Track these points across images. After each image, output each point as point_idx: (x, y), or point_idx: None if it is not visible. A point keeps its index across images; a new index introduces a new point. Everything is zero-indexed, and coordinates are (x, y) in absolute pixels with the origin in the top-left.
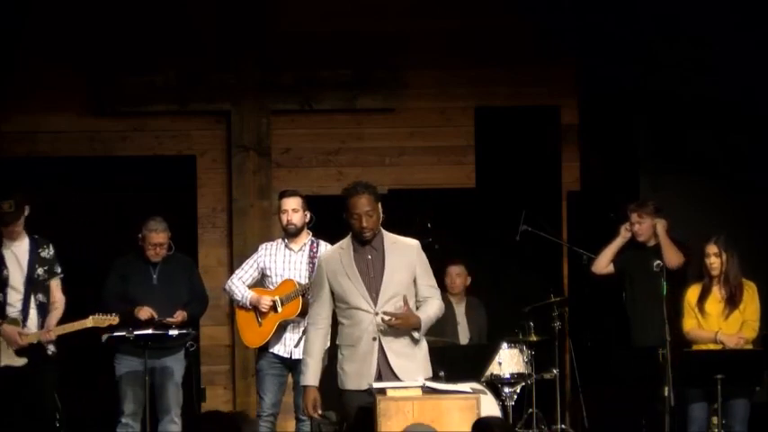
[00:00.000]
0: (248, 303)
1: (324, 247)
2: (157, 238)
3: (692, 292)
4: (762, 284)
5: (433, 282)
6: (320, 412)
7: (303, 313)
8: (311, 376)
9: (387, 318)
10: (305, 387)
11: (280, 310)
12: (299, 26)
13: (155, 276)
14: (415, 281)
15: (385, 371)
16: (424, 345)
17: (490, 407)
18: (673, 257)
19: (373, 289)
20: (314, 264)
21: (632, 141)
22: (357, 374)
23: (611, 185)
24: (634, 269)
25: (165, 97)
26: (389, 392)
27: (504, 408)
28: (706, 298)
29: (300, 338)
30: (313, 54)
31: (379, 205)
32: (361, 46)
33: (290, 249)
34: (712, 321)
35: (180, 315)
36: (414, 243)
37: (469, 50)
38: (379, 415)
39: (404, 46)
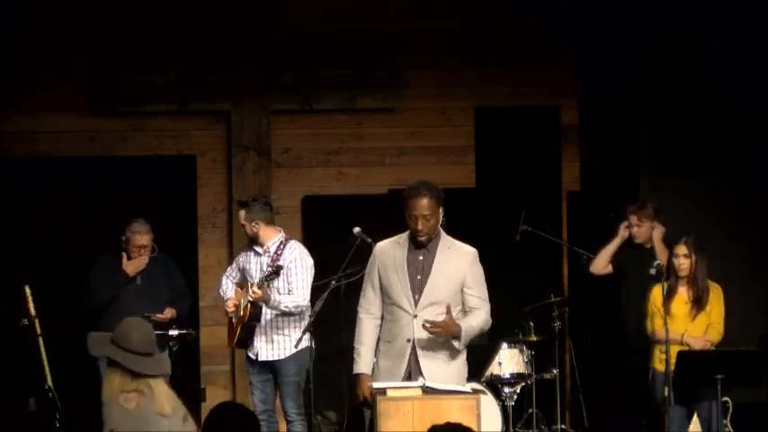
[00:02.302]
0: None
1: (289, 249)
2: (141, 239)
3: (657, 292)
4: (761, 284)
5: (484, 294)
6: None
7: (252, 318)
8: (363, 364)
9: (427, 325)
10: (358, 375)
11: (241, 313)
12: (299, 26)
13: (138, 277)
14: (463, 290)
15: (415, 373)
16: (461, 355)
17: (490, 407)
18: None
19: (417, 290)
20: (274, 265)
21: (632, 141)
22: (388, 372)
23: (611, 185)
24: (630, 269)
25: (165, 97)
26: (389, 392)
27: (504, 408)
28: (672, 298)
29: (286, 339)
30: (313, 54)
31: (441, 210)
32: (361, 46)
33: (257, 253)
34: (678, 322)
35: (169, 312)
36: (470, 251)
37: (469, 50)
38: (380, 415)
39: (404, 46)
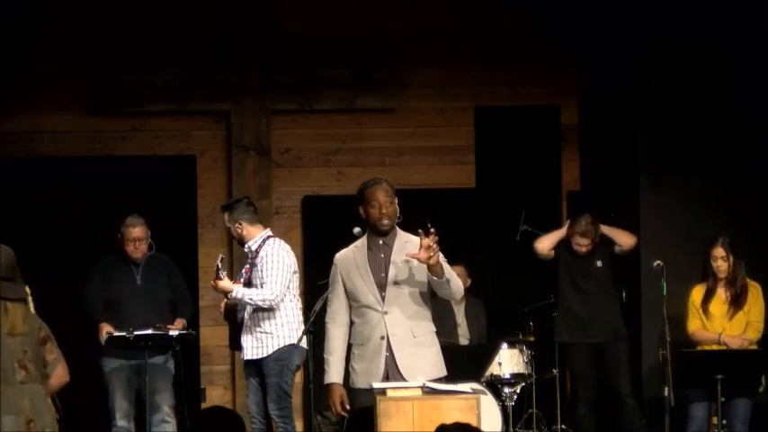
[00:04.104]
0: None
1: (265, 246)
2: (136, 232)
3: (697, 293)
4: (761, 284)
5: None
6: (348, 408)
7: (227, 313)
8: (334, 373)
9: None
10: (329, 385)
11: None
12: (299, 26)
13: (138, 276)
14: (429, 275)
15: (392, 370)
16: (435, 344)
17: (490, 407)
18: (627, 239)
19: (382, 287)
20: (253, 262)
21: (632, 141)
22: (365, 373)
23: (611, 185)
24: (574, 271)
25: (165, 97)
26: (389, 392)
27: (504, 408)
28: (710, 299)
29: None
30: (313, 54)
31: (396, 200)
32: (361, 46)
33: (245, 253)
34: (716, 322)
35: (180, 322)
36: None
37: (470, 50)
38: (379, 415)
39: (404, 46)
